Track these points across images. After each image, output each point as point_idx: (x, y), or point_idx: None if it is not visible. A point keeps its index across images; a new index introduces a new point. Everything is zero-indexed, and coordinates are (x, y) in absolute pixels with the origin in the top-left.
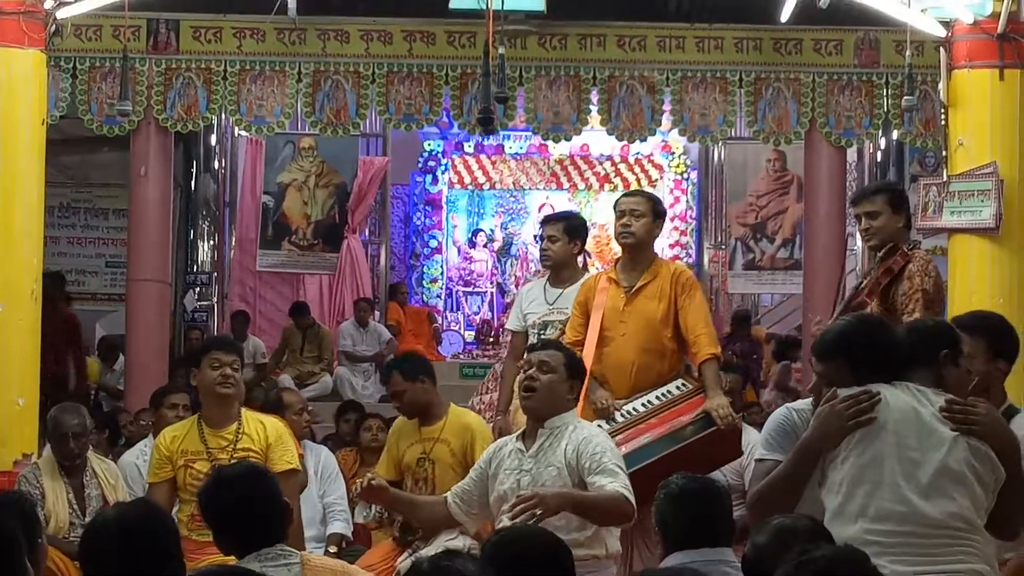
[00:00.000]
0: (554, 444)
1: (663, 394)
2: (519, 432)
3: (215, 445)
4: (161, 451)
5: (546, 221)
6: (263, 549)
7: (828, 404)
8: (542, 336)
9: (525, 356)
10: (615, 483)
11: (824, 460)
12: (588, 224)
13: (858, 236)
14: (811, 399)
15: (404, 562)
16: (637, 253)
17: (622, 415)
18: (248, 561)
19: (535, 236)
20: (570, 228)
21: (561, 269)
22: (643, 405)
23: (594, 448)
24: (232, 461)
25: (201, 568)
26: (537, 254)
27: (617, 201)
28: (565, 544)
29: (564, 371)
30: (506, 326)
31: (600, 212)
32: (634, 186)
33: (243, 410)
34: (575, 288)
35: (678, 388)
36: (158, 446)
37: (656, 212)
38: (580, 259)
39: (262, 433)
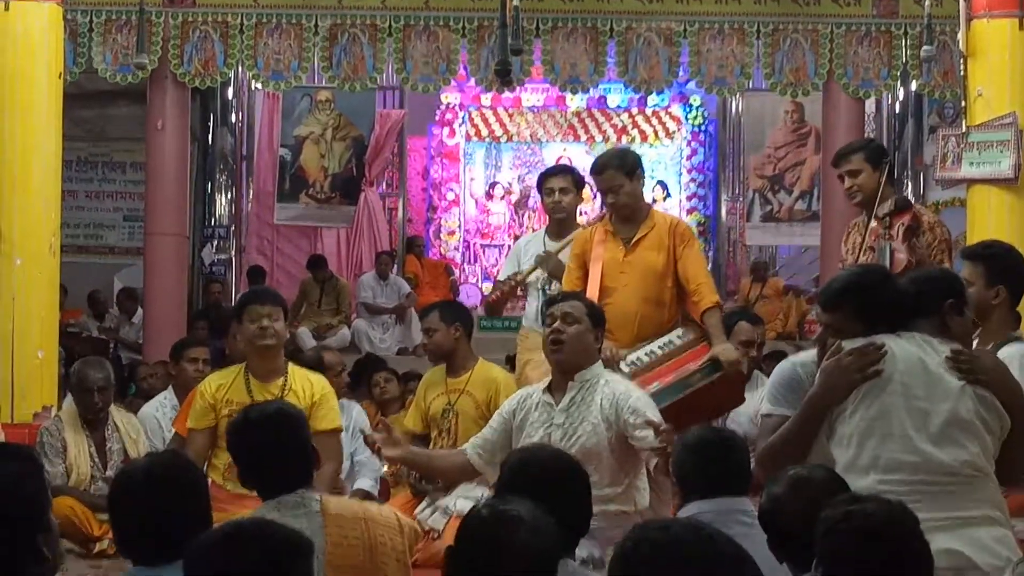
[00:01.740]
0: (586, 398)
1: (666, 344)
2: (545, 384)
3: (261, 398)
4: (205, 398)
5: (552, 173)
6: (283, 496)
7: (834, 358)
8: (546, 291)
9: (547, 309)
10: None
11: (832, 414)
12: None
13: None
14: (815, 351)
15: (423, 512)
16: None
17: (627, 365)
18: (269, 508)
19: (549, 190)
20: (577, 180)
21: (567, 222)
22: (647, 355)
23: (634, 403)
24: None
25: (225, 522)
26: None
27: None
28: (581, 466)
29: (588, 321)
30: (498, 277)
31: None
32: (651, 139)
33: (291, 365)
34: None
35: (679, 337)
36: (202, 393)
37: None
38: (597, 210)
39: (308, 390)
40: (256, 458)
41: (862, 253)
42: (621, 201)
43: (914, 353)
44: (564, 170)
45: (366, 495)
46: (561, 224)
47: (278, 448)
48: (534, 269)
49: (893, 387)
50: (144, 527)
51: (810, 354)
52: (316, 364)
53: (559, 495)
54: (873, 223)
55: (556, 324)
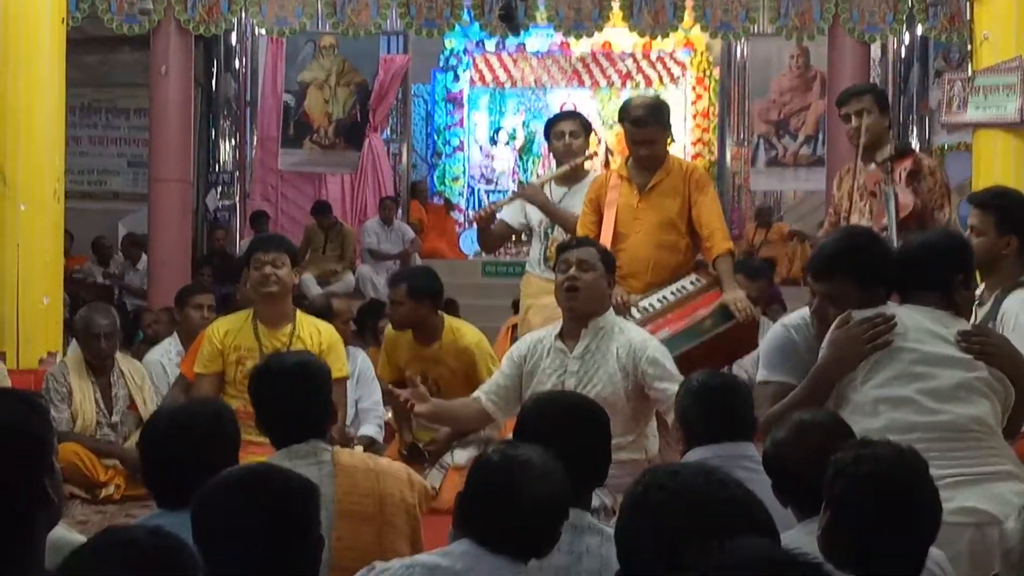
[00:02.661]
0: (601, 346)
1: (678, 289)
2: (556, 330)
3: (269, 344)
4: (213, 343)
5: (562, 118)
6: (295, 445)
7: (843, 329)
8: (549, 235)
9: (560, 256)
10: None
11: (840, 382)
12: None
13: None
14: (807, 314)
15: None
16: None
17: (639, 311)
18: (280, 457)
19: (560, 133)
20: (586, 124)
21: (576, 166)
22: (659, 301)
23: (652, 354)
24: None
25: (232, 468)
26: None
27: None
28: (603, 412)
29: (602, 267)
30: (499, 215)
31: None
32: (656, 84)
33: (298, 312)
34: (581, 186)
35: (692, 283)
36: (210, 338)
37: None
38: (602, 155)
39: (316, 339)
40: (272, 407)
41: (861, 198)
42: (654, 154)
43: (924, 325)
44: (573, 114)
45: (371, 441)
46: (570, 168)
47: (294, 399)
48: (514, 199)
49: (903, 356)
50: (170, 471)
51: (801, 314)
52: (324, 311)
53: (578, 442)
54: (872, 168)
55: (572, 271)
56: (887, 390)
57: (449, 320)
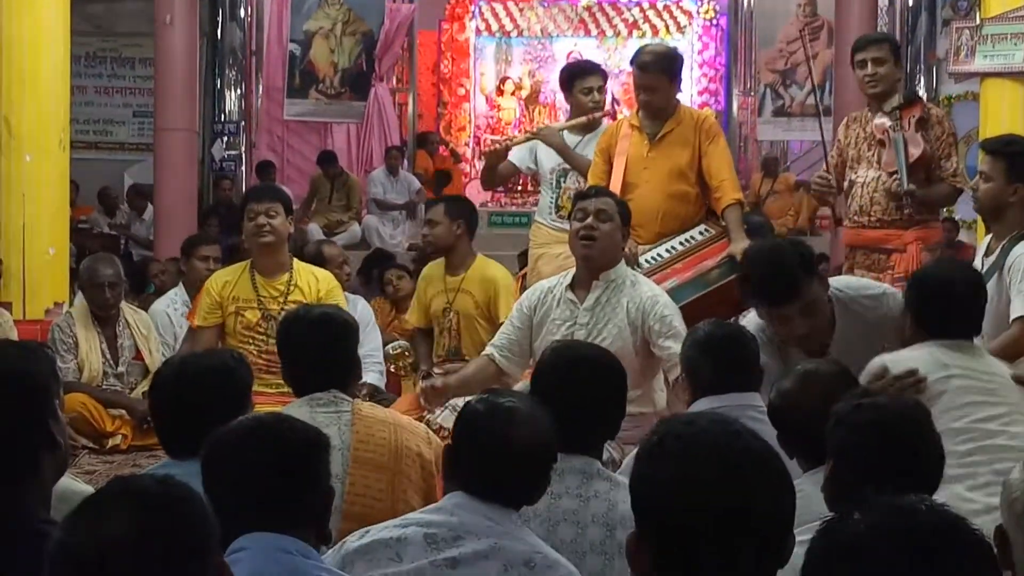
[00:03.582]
0: (612, 299)
1: (687, 239)
2: (567, 280)
3: (266, 294)
4: (212, 295)
5: (589, 72)
6: (317, 393)
7: (875, 387)
8: (562, 184)
9: (577, 204)
10: None
11: None
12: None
13: None
14: (754, 326)
15: (434, 413)
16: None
17: (647, 261)
18: (300, 403)
19: (587, 88)
20: (606, 78)
21: (596, 119)
22: (667, 251)
23: (662, 310)
24: (282, 312)
25: (243, 418)
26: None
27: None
28: (619, 362)
29: (619, 219)
30: (509, 156)
31: (628, 59)
32: (663, 33)
33: (295, 261)
34: (595, 135)
35: (701, 233)
36: (208, 290)
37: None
38: (609, 106)
39: (314, 286)
40: (296, 356)
41: (868, 147)
42: (656, 103)
43: (968, 363)
44: (597, 67)
45: (375, 390)
46: (588, 120)
47: (318, 350)
48: (530, 139)
49: (951, 395)
50: (180, 421)
51: (750, 323)
52: (315, 258)
53: (594, 393)
54: (879, 118)
55: (589, 220)
56: (940, 425)
57: (481, 256)
